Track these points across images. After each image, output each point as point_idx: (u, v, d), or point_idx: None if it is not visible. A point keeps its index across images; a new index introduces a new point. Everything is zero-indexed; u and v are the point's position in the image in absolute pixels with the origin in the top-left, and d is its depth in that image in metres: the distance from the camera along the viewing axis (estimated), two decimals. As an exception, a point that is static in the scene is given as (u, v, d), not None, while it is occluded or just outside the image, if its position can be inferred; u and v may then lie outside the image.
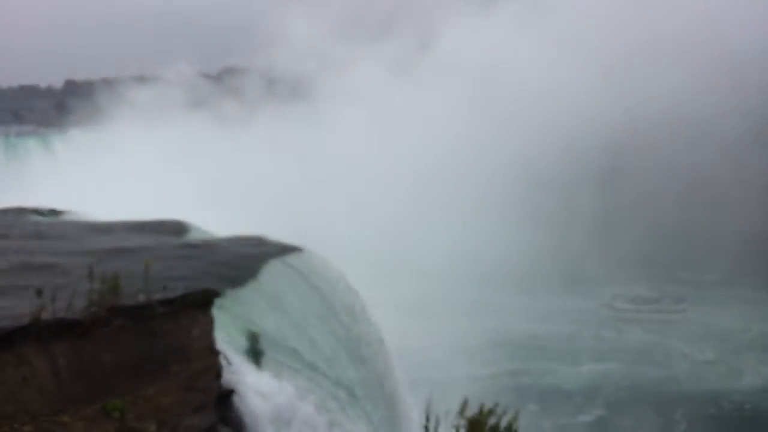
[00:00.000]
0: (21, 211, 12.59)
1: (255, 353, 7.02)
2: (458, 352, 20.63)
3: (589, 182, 33.97)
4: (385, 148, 32.58)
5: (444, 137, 32.40)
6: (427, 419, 5.35)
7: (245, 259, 8.59)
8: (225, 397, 5.86)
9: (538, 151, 31.76)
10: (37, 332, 5.02)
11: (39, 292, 5.18)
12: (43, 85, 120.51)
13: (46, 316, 5.07)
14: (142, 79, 48.96)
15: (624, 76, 32.96)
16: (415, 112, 34.45)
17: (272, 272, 8.48)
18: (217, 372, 5.65)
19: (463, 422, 5.20)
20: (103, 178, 30.78)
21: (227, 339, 6.60)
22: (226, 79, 47.92)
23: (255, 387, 6.24)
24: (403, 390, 10.57)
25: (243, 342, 7.05)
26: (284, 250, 9.32)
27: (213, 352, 5.71)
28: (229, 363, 6.06)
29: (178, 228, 10.78)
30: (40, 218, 12.27)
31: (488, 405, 5.28)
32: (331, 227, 27.03)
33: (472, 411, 5.23)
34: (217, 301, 6.28)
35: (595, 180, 34.19)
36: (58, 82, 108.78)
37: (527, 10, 37.58)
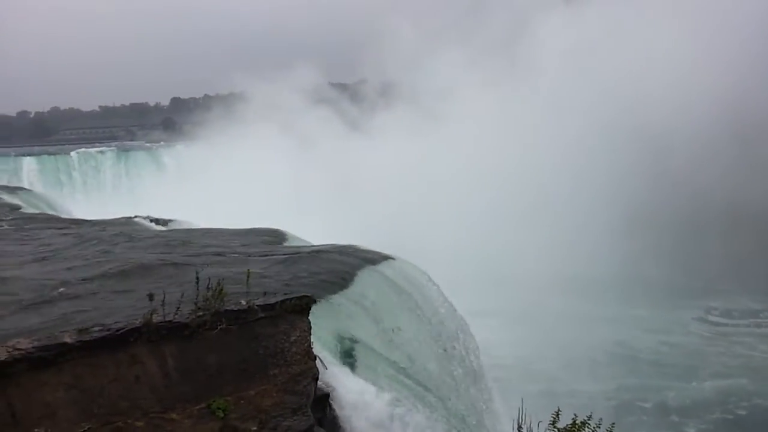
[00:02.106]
0: (133, 220, 13.40)
1: (349, 359, 7.18)
2: (560, 364, 19.76)
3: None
4: (485, 156, 32.10)
5: (547, 143, 31.57)
6: (519, 429, 5.30)
7: (340, 267, 8.80)
8: (321, 401, 6.02)
9: (635, 158, 30.46)
10: (149, 334, 5.33)
11: (150, 296, 5.54)
12: (151, 102, 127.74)
13: (156, 318, 5.39)
14: (242, 96, 50.76)
15: (730, 77, 31.06)
16: (521, 118, 33.69)
17: (366, 280, 8.64)
18: (314, 376, 5.81)
19: None
20: (206, 190, 32.11)
21: (323, 344, 6.78)
22: (334, 90, 48.50)
23: (350, 391, 6.37)
24: (495, 399, 10.48)
25: (338, 347, 7.22)
26: (378, 258, 9.48)
27: (310, 357, 5.88)
28: (325, 367, 6.22)
29: (276, 236, 11.16)
30: (149, 226, 13.01)
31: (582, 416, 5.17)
32: (430, 235, 26.92)
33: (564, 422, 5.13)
34: (314, 308, 6.45)
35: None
36: (165, 100, 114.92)
37: (622, 8, 36.19)
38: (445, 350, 9.26)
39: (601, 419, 5.23)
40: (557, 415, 5.14)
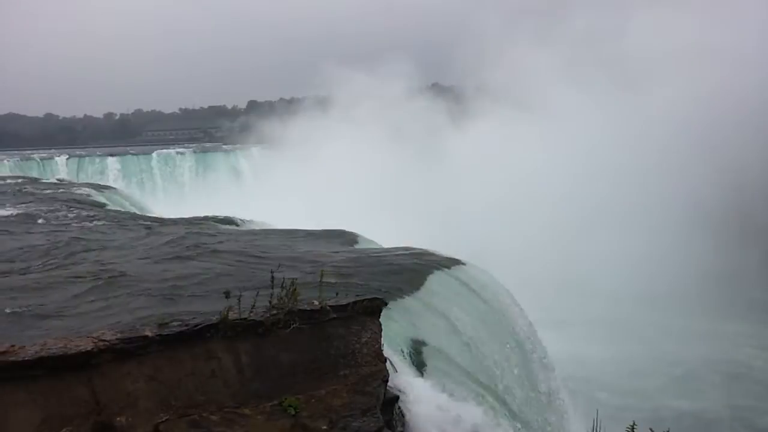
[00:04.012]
0: (209, 219, 13.79)
1: (419, 362, 7.16)
2: (661, 381, 18.52)
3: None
4: (575, 156, 31.16)
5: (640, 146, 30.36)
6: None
7: (411, 270, 8.82)
8: (390, 403, 6.01)
9: (740, 164, 28.89)
10: (224, 330, 5.46)
11: (227, 294, 5.67)
12: (229, 105, 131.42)
13: (232, 315, 5.51)
14: (317, 99, 51.49)
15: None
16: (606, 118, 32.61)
17: (438, 284, 8.62)
18: (384, 378, 5.81)
19: None
20: (280, 191, 32.68)
21: (393, 347, 6.79)
22: (419, 91, 48.13)
23: (419, 395, 6.35)
24: (569, 411, 10.25)
25: (408, 350, 7.22)
26: (449, 262, 9.44)
27: (380, 359, 5.88)
28: (395, 370, 6.22)
29: (348, 238, 11.28)
30: (224, 227, 13.34)
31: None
32: (504, 242, 26.37)
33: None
34: (384, 310, 6.46)
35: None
36: (242, 103, 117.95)
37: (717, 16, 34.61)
38: (516, 359, 9.12)
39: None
40: (632, 427, 4.96)
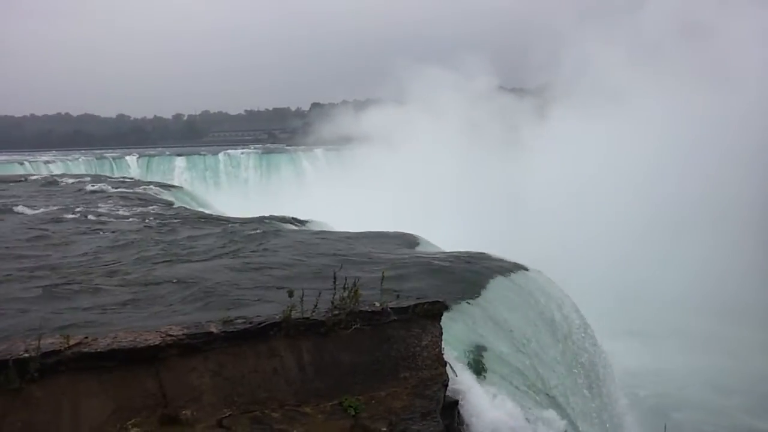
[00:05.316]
0: (272, 219, 14.00)
1: (479, 368, 7.09)
2: (745, 399, 17.37)
3: None
4: (642, 158, 29.99)
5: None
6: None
7: (472, 274, 8.74)
8: (450, 408, 5.98)
9: None
10: (287, 329, 5.53)
11: (290, 293, 5.74)
12: (293, 107, 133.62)
13: (295, 314, 5.58)
14: (375, 102, 51.69)
15: None
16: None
17: (498, 289, 8.52)
18: (444, 382, 5.78)
19: None
20: (342, 193, 32.84)
21: (453, 351, 6.74)
22: (491, 93, 47.38)
23: (479, 400, 6.29)
24: (630, 424, 9.98)
25: (468, 355, 7.16)
26: (512, 267, 9.32)
27: (441, 362, 5.86)
28: (455, 374, 6.18)
29: (409, 240, 11.26)
30: (287, 226, 13.53)
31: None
32: (567, 245, 25.60)
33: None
34: (445, 314, 6.43)
35: None
36: (305, 105, 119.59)
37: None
38: (578, 369, 8.94)
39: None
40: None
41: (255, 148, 56.16)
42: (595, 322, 10.16)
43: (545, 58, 41.06)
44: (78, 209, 14.48)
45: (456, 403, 6.06)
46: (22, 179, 24.37)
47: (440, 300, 6.36)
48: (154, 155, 48.78)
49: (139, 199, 17.40)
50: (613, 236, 26.61)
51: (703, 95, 31.05)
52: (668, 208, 27.31)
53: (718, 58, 32.73)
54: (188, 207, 17.84)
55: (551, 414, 7.25)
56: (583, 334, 9.55)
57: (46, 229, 11.80)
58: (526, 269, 9.53)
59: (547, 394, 7.84)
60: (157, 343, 5.04)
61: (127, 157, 46.36)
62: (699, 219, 26.53)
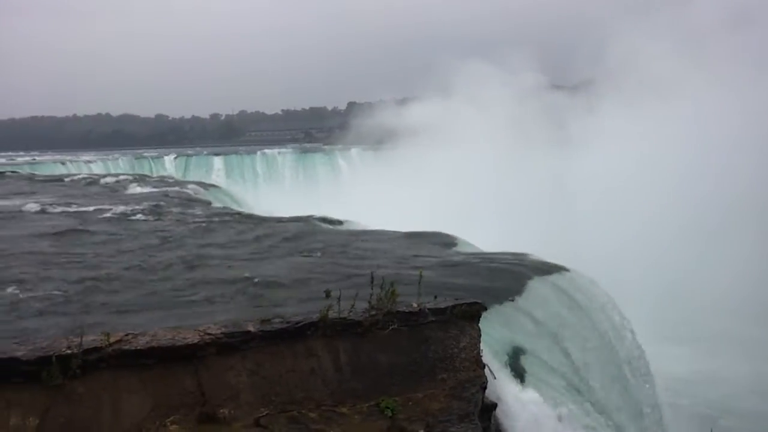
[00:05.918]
0: (309, 219, 14.03)
1: (518, 370, 6.98)
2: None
3: None
4: (681, 157, 29.21)
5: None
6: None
7: (511, 275, 8.62)
8: (488, 410, 5.89)
9: None
10: (324, 329, 5.51)
11: (327, 293, 5.72)
12: (329, 107, 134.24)
13: (332, 314, 5.56)
14: (414, 100, 51.57)
15: None
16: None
17: (539, 290, 8.39)
18: (483, 384, 5.70)
19: None
20: (378, 193, 32.68)
21: (492, 353, 6.65)
22: (537, 91, 46.60)
23: (518, 403, 6.20)
24: (672, 426, 9.75)
25: (506, 358, 7.06)
26: (551, 268, 9.17)
27: (479, 364, 5.77)
28: (494, 377, 6.09)
29: (447, 241, 11.17)
30: (323, 225, 13.54)
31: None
32: (607, 244, 25.02)
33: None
34: (483, 315, 6.35)
35: None
36: (342, 104, 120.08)
37: None
38: (620, 372, 8.75)
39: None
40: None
41: (292, 148, 56.52)
42: (634, 325, 9.94)
43: (590, 53, 40.39)
44: (119, 208, 14.71)
45: (494, 405, 5.98)
46: (64, 179, 24.87)
47: (478, 301, 6.27)
48: (191, 155, 49.44)
49: (180, 199, 17.63)
50: (651, 237, 26.04)
51: (750, 89, 30.12)
52: (707, 208, 26.56)
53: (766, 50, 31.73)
54: (226, 206, 18.01)
55: (594, 420, 7.12)
56: (627, 337, 9.34)
57: (87, 229, 12.00)
58: (567, 270, 9.35)
59: (588, 398, 7.69)
60: (195, 341, 5.06)
61: (165, 157, 47.06)
62: (738, 219, 25.77)
